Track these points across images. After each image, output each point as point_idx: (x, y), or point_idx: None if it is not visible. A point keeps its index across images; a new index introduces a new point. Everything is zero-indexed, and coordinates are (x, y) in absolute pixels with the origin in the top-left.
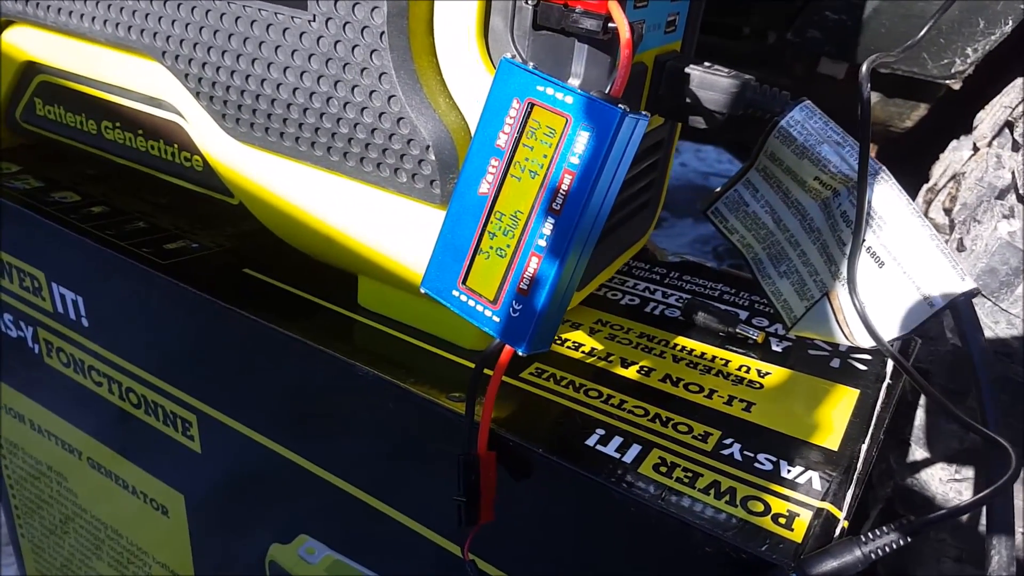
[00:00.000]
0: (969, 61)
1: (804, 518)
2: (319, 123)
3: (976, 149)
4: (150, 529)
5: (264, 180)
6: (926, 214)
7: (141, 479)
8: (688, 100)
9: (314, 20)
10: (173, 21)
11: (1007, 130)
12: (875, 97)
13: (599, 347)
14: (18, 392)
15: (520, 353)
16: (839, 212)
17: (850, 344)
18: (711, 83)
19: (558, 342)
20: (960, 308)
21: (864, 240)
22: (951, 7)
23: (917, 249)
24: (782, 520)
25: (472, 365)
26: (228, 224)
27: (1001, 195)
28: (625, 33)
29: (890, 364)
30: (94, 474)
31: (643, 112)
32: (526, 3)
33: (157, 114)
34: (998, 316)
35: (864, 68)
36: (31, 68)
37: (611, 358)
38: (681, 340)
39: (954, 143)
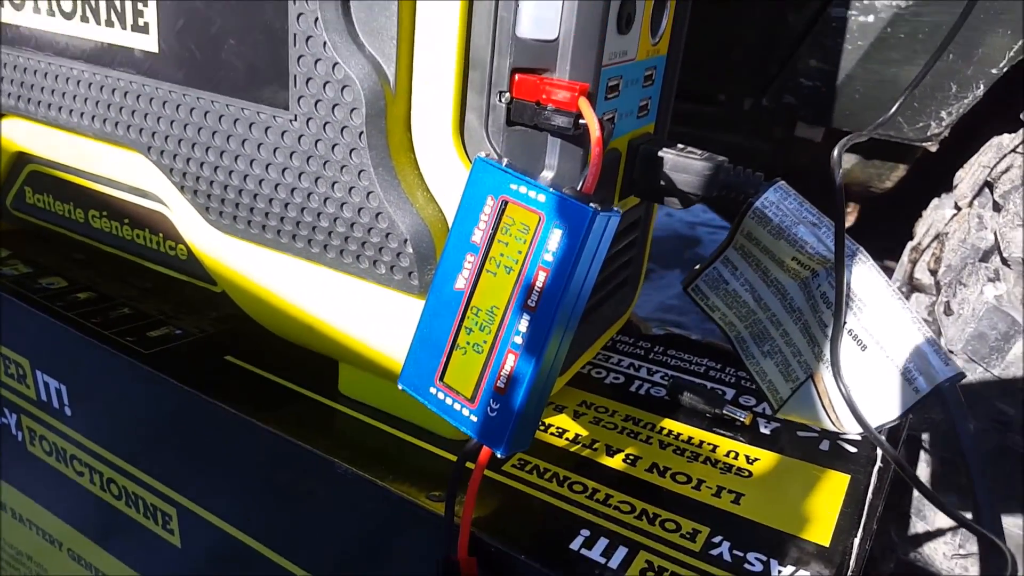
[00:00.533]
0: (944, 124)
1: None
2: (300, 217)
3: (958, 209)
4: None
5: (246, 270)
6: (911, 274)
7: (121, 572)
8: (662, 182)
9: (295, 120)
10: (158, 118)
11: (987, 190)
12: (853, 159)
13: (584, 433)
14: None
15: (498, 455)
16: (819, 293)
17: (837, 430)
18: (684, 166)
19: (542, 428)
20: (946, 394)
21: (845, 323)
22: (923, 77)
23: (899, 332)
24: None
25: (454, 457)
26: (212, 308)
27: (985, 257)
28: (595, 131)
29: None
30: (74, 565)
31: (615, 208)
32: (499, 101)
33: (143, 204)
34: (991, 383)
35: (836, 152)
36: (21, 158)
37: (596, 445)
38: (667, 423)
39: (936, 201)
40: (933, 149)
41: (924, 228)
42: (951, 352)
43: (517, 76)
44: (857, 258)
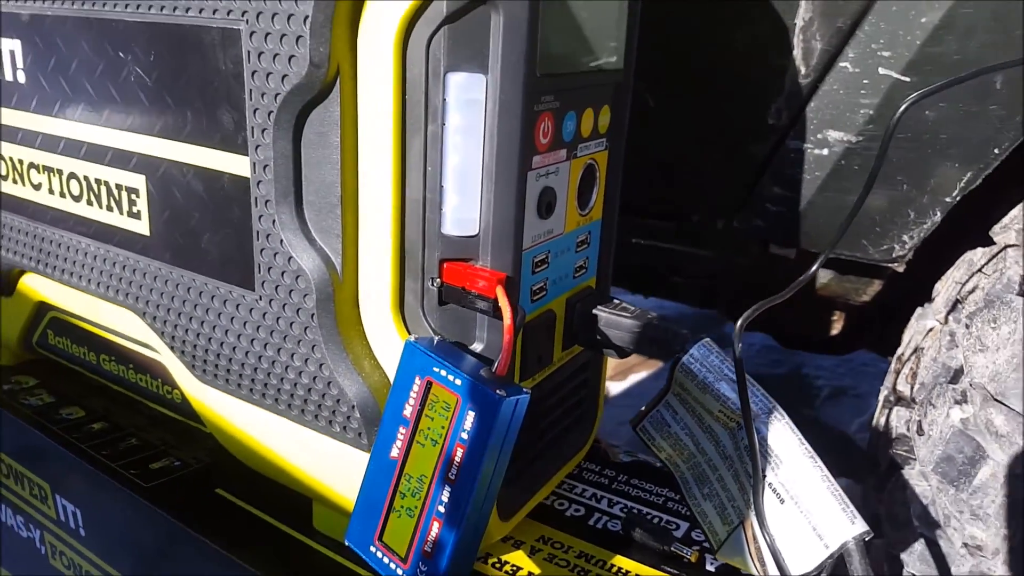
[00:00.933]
0: (907, 247)
1: None
2: (266, 379)
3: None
4: None
5: (226, 415)
6: (895, 385)
7: None
8: (598, 336)
9: (260, 299)
10: (150, 289)
11: (959, 306)
12: (829, 274)
13: (536, 571)
14: None
15: None
16: (743, 444)
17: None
18: (616, 323)
19: (497, 566)
20: (851, 552)
21: (765, 476)
22: (859, 207)
23: (810, 490)
24: None
25: None
26: (208, 438)
27: (955, 378)
28: (507, 319)
29: None
30: None
31: (525, 390)
32: (432, 286)
33: (143, 353)
34: (961, 505)
35: (738, 326)
36: (43, 306)
37: None
38: (618, 560)
39: (919, 310)
40: (900, 269)
41: (907, 338)
42: (923, 473)
43: (445, 265)
44: (773, 415)
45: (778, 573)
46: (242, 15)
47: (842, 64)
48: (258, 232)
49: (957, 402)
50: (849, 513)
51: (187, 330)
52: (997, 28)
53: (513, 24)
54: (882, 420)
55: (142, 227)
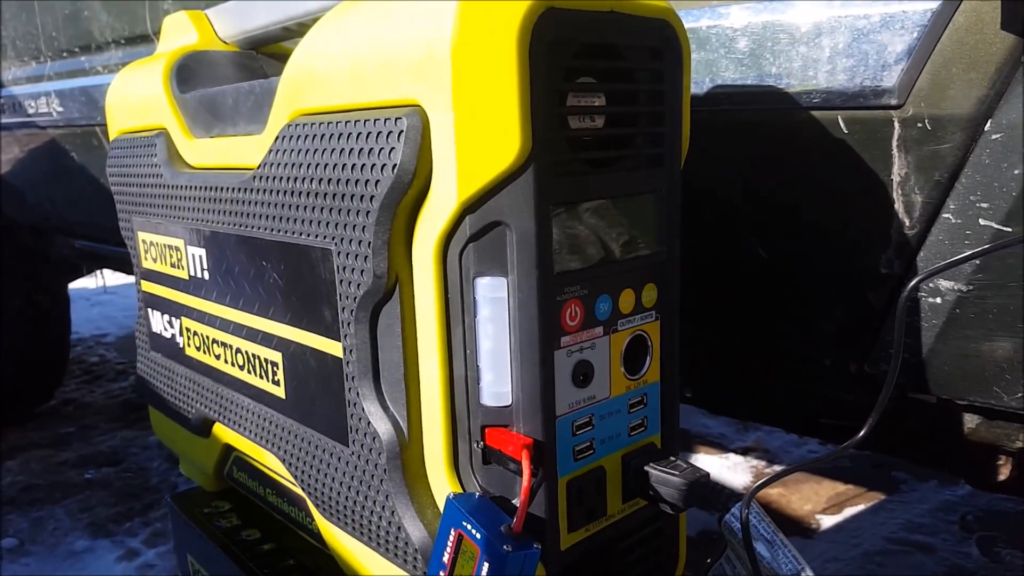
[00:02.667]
0: None
1: None
2: (359, 519)
3: None
4: None
5: (340, 544)
6: None
7: None
8: (651, 492)
9: (352, 454)
10: (287, 440)
11: None
12: (976, 419)
13: None
14: None
15: None
16: None
17: None
18: (666, 480)
19: None
20: None
21: None
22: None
23: None
24: None
25: None
26: None
27: None
28: (524, 481)
29: None
30: None
31: (535, 546)
32: (476, 447)
33: (293, 489)
34: None
35: (748, 494)
36: (228, 447)
37: None
38: None
39: None
40: None
41: None
42: None
43: (487, 430)
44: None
45: None
46: (332, 240)
47: (944, 215)
48: (349, 400)
49: None
50: None
51: (308, 473)
52: None
53: (523, 239)
54: None
55: (280, 392)
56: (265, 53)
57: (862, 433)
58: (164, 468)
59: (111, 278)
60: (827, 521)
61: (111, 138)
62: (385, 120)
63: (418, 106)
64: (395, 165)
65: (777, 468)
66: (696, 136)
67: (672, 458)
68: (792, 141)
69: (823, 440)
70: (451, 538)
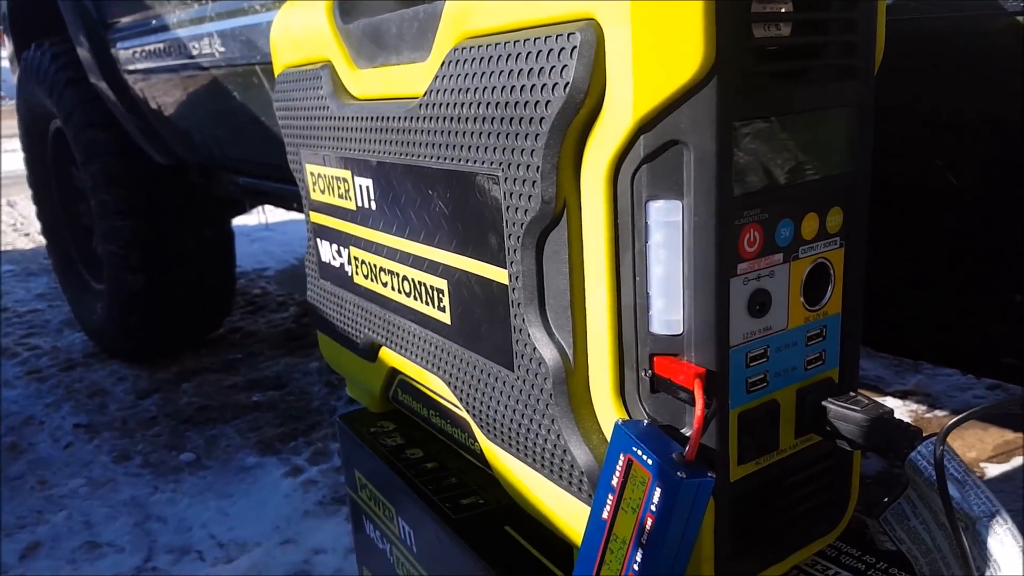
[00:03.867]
0: None
1: None
2: (525, 441)
3: None
4: None
5: (504, 465)
6: None
7: None
8: (828, 428)
9: (517, 379)
10: (451, 364)
11: None
12: None
13: None
14: None
15: None
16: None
17: None
18: (844, 416)
19: None
20: None
21: None
22: None
23: None
24: None
25: None
26: None
27: None
28: (699, 410)
29: None
30: None
31: (709, 475)
32: (644, 375)
33: (456, 411)
34: None
35: (942, 432)
36: (394, 370)
37: None
38: None
39: None
40: None
41: None
42: None
43: (655, 359)
44: (996, 519)
45: None
46: (499, 165)
47: None
48: (514, 327)
49: None
50: None
51: (474, 396)
52: None
53: (702, 158)
54: None
55: (446, 318)
56: None
57: None
58: (324, 392)
59: (272, 214)
60: (993, 470)
61: (276, 73)
62: (557, 37)
63: (593, 19)
64: (567, 84)
65: (939, 413)
66: (887, 46)
67: (852, 393)
68: (992, 51)
69: (1005, 381)
70: (620, 463)
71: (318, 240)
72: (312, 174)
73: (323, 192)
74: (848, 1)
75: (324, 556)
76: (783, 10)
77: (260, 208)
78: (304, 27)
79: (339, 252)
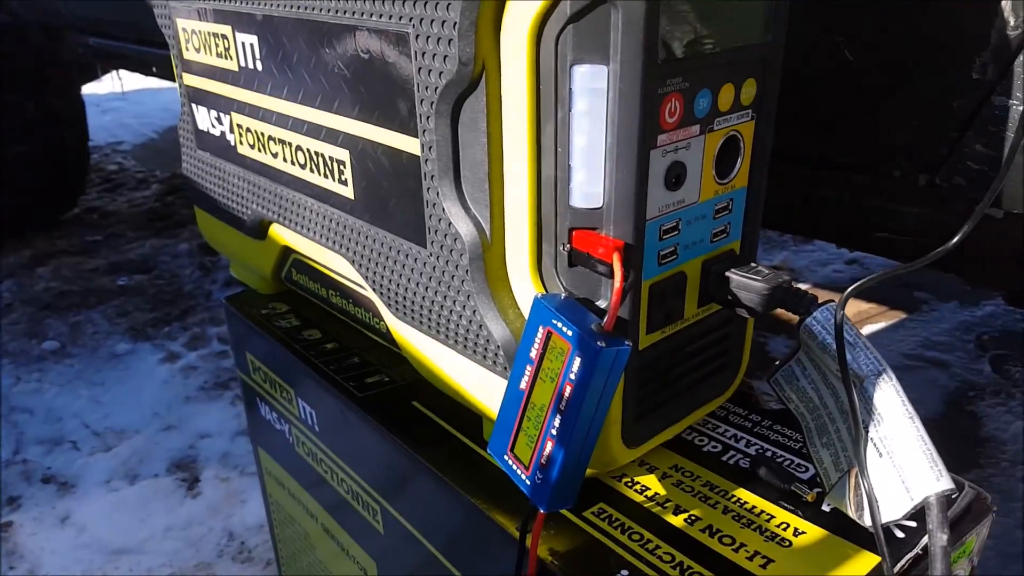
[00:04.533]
0: None
1: None
2: (438, 318)
3: None
4: None
5: (413, 344)
6: None
7: (352, 545)
8: (730, 297)
9: (430, 255)
10: (356, 242)
11: None
12: None
13: (662, 493)
14: (280, 466)
15: (541, 511)
16: (857, 402)
17: (858, 521)
18: (746, 286)
19: (629, 484)
20: (931, 505)
21: (868, 432)
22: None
23: (905, 448)
24: None
25: None
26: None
27: None
28: (617, 283)
29: (925, 539)
30: (322, 534)
31: (626, 343)
32: (563, 250)
33: (358, 290)
34: None
35: (844, 295)
36: (287, 249)
37: (667, 504)
38: (740, 492)
39: None
40: None
41: None
42: None
43: (574, 232)
44: (882, 377)
45: (870, 519)
46: (410, 21)
47: None
48: (427, 201)
49: None
50: (936, 471)
51: (382, 275)
52: None
53: (630, 20)
54: None
55: (348, 192)
56: None
57: (955, 241)
58: (197, 276)
59: (127, 81)
60: None
61: None
62: None
63: None
64: None
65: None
66: None
67: (753, 264)
68: None
69: (871, 252)
70: (539, 335)
71: (193, 105)
72: (184, 30)
73: (198, 51)
74: None
75: (210, 440)
76: None
77: (113, 74)
78: None
79: (219, 119)
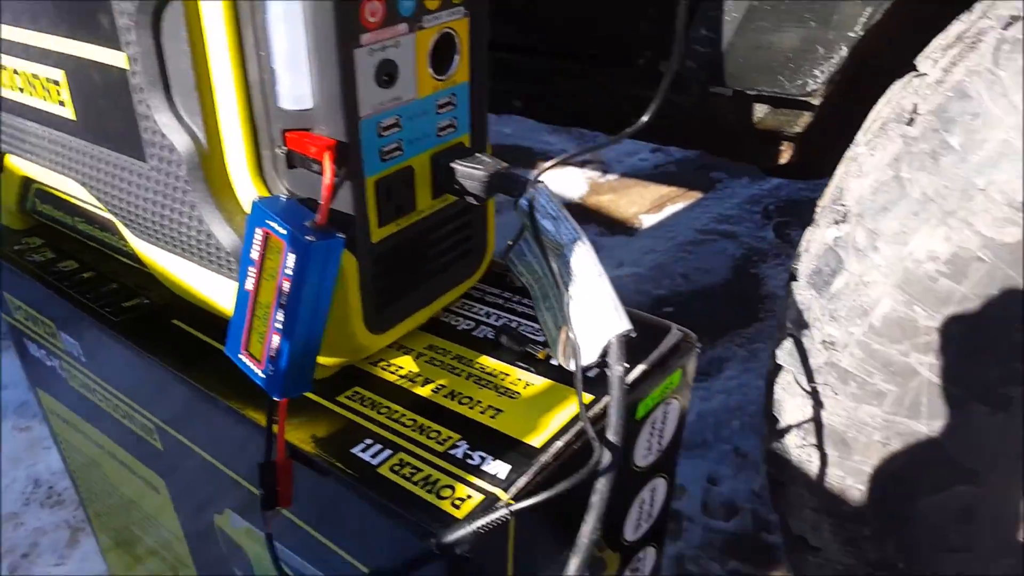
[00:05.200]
0: (820, 81)
1: (475, 500)
2: (169, 232)
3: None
4: (152, 503)
5: (154, 259)
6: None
7: (139, 467)
8: (456, 186)
9: (151, 169)
10: (82, 163)
11: (866, 133)
12: (765, 109)
13: (415, 370)
14: (59, 403)
15: (275, 399)
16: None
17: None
18: (469, 175)
19: (384, 367)
20: (611, 344)
21: (568, 290)
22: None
23: (596, 300)
24: (457, 502)
25: None
26: None
27: (839, 200)
28: (325, 180)
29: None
30: (113, 463)
31: (338, 236)
32: (279, 151)
33: (100, 214)
34: (823, 310)
35: (533, 177)
36: (27, 180)
37: (417, 379)
38: (483, 360)
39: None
40: (816, 103)
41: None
42: (803, 285)
43: (287, 134)
44: (577, 242)
45: (575, 364)
46: None
47: None
48: (139, 114)
49: (836, 222)
50: (617, 315)
51: (112, 195)
52: None
53: None
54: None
55: (69, 113)
56: None
57: (644, 118)
58: None
59: None
60: (649, 220)
61: None
62: None
63: None
64: None
65: (610, 177)
66: None
67: (477, 155)
68: None
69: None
70: (258, 237)
71: None
72: None
73: None
74: None
75: (4, 392)
76: None
77: None
78: None
79: None
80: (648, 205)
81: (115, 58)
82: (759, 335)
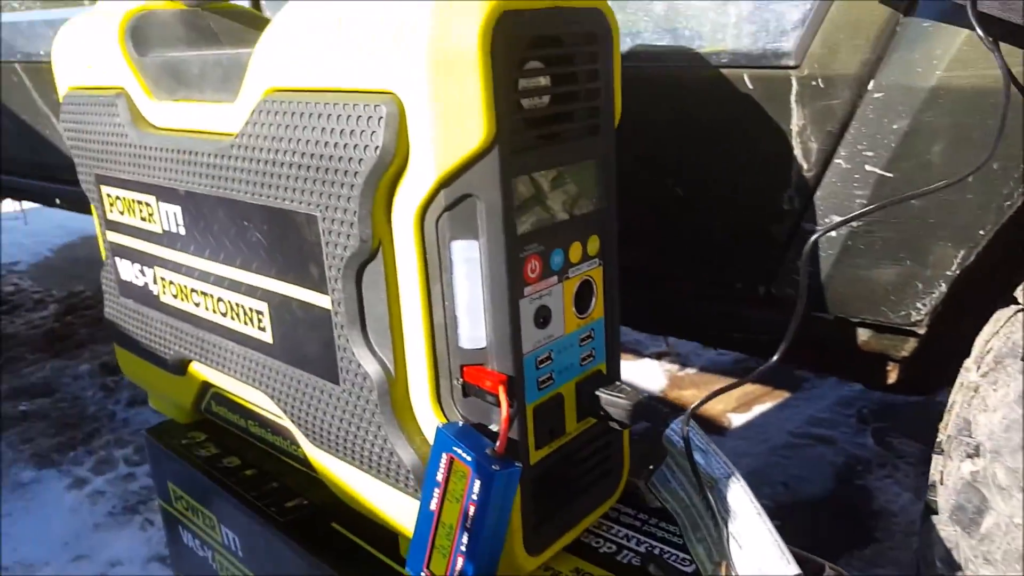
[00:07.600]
0: (923, 312)
1: None
2: (352, 447)
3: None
4: None
5: (331, 470)
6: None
7: None
8: (602, 412)
9: (343, 392)
10: (273, 380)
11: (981, 363)
12: (868, 333)
13: None
14: None
15: None
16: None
17: None
18: (614, 403)
19: None
20: None
21: (728, 528)
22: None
23: (758, 540)
24: None
25: None
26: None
27: (970, 432)
28: (504, 412)
29: None
30: None
31: (516, 465)
32: (456, 383)
33: (276, 420)
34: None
35: (689, 411)
36: (206, 384)
37: None
38: None
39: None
40: (921, 332)
41: (954, 390)
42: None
43: (465, 368)
44: (731, 479)
45: None
46: (317, 207)
47: (836, 161)
48: (338, 346)
49: (969, 456)
50: (785, 559)
51: (300, 409)
52: (957, 133)
53: (491, 208)
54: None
55: (267, 337)
56: (211, 9)
57: (774, 359)
58: (100, 396)
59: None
60: (737, 420)
61: (63, 92)
62: (365, 105)
63: (393, 95)
64: (377, 147)
65: (689, 371)
66: (624, 89)
67: (618, 382)
68: (706, 95)
69: (733, 350)
70: (444, 461)
71: (117, 259)
72: (109, 195)
73: (123, 213)
74: (591, 75)
75: (122, 568)
76: (543, 83)
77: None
78: (93, 52)
79: (142, 271)
80: (735, 403)
81: (320, 300)
82: (880, 558)
